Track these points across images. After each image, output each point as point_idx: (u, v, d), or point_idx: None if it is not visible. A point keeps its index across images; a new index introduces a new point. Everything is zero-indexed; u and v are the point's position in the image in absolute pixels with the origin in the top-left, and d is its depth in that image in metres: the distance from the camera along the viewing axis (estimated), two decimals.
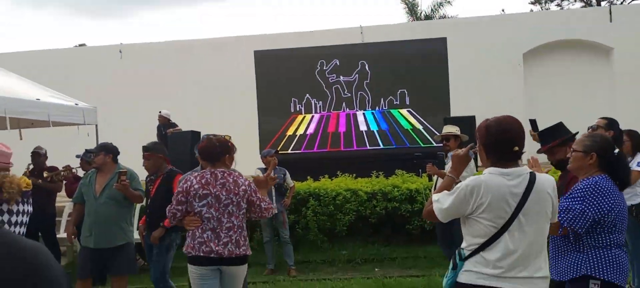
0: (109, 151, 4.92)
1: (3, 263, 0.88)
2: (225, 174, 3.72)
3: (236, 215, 3.68)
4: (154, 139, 10.63)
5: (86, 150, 6.63)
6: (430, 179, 6.09)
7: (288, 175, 6.91)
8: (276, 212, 3.89)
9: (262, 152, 7.04)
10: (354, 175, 8.39)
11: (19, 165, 6.53)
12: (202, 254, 3.60)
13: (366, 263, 7.06)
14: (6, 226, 3.25)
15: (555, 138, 3.60)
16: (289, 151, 9.95)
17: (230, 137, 3.98)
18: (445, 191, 2.50)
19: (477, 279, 2.34)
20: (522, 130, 2.42)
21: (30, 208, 3.49)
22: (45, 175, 6.44)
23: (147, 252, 4.58)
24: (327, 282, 6.22)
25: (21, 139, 7.25)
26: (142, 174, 5.27)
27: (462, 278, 2.40)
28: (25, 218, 3.43)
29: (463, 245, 2.47)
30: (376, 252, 7.30)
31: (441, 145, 6.02)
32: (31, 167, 6.62)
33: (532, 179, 2.35)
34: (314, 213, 7.41)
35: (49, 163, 6.74)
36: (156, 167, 4.63)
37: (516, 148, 2.35)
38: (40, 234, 6.63)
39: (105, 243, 4.76)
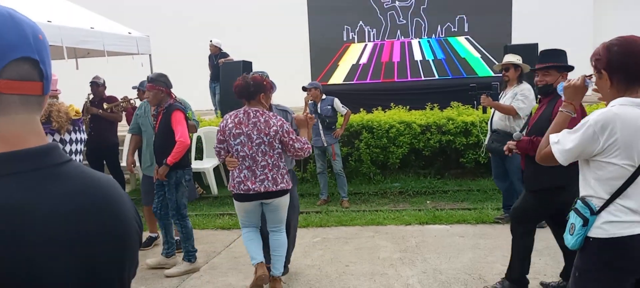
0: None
1: (80, 197, 0.89)
2: (258, 113, 3.75)
3: (270, 155, 3.75)
4: (205, 68, 10.69)
5: (144, 81, 6.70)
6: (485, 111, 5.82)
7: (337, 102, 6.68)
8: (310, 153, 3.88)
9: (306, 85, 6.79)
10: (408, 107, 8.19)
11: (78, 96, 6.72)
12: (241, 192, 3.79)
13: (418, 195, 7.01)
14: None
15: (555, 61, 3.60)
16: (341, 82, 9.76)
17: (266, 75, 3.97)
18: (565, 130, 2.21)
19: (622, 229, 2.06)
20: None
21: (84, 136, 3.48)
22: (105, 107, 6.58)
23: (157, 188, 4.62)
24: (378, 213, 6.23)
25: (78, 68, 7.40)
26: (191, 105, 5.29)
27: (599, 232, 2.11)
28: (80, 147, 3.43)
29: (586, 193, 2.17)
30: (428, 185, 7.22)
31: (500, 75, 5.68)
32: (91, 96, 6.77)
33: None
34: (366, 146, 7.32)
35: (106, 93, 6.87)
36: (157, 100, 4.52)
37: None
38: (105, 162, 6.86)
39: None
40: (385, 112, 7.94)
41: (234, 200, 3.93)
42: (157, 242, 5.49)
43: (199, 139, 7.67)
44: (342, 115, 6.77)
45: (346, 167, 7.26)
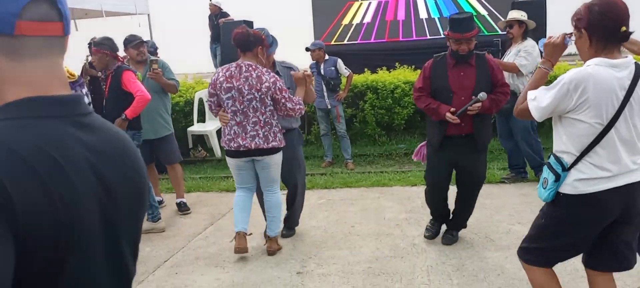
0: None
1: (105, 145, 0.93)
2: (251, 68, 3.64)
3: (262, 111, 3.66)
4: (206, 28, 10.50)
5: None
6: None
7: (340, 63, 6.54)
8: (302, 113, 3.80)
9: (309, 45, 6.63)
10: (413, 66, 8.03)
11: (76, 58, 6.60)
12: (232, 149, 3.74)
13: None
14: None
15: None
16: (345, 42, 9.56)
17: (267, 32, 3.92)
18: (542, 87, 2.25)
19: (590, 186, 2.16)
20: (627, 8, 2.12)
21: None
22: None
23: None
24: (384, 174, 6.18)
25: (77, 30, 7.26)
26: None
27: (569, 189, 2.20)
28: None
29: (558, 149, 2.25)
30: None
31: (505, 33, 5.54)
32: (90, 58, 6.66)
33: (638, 70, 2.13)
34: (371, 107, 7.21)
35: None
36: (103, 64, 4.42)
37: (624, 28, 2.09)
38: None
39: (153, 135, 4.96)
40: (390, 72, 7.80)
41: (226, 157, 3.89)
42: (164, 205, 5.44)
43: (201, 101, 7.58)
44: (345, 77, 6.64)
45: (350, 128, 7.18)
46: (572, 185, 2.20)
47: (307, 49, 6.48)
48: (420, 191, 5.52)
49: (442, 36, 9.46)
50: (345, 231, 4.44)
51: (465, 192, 3.96)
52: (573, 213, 2.24)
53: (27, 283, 0.78)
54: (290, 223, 4.41)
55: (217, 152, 7.35)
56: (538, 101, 2.22)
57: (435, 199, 4.03)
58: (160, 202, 5.42)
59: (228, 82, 3.65)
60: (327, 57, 6.52)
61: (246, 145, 3.68)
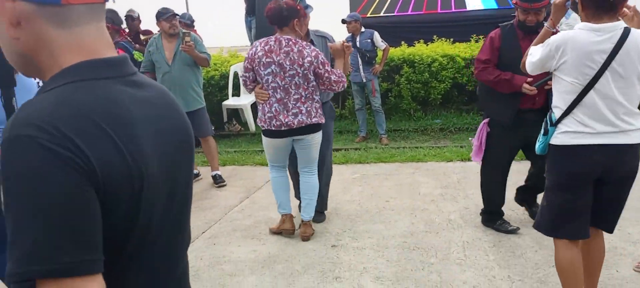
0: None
1: (158, 100, 0.99)
2: (291, 42, 3.48)
3: (304, 87, 3.51)
4: (241, 1, 10.48)
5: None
6: None
7: (377, 35, 6.42)
8: (345, 86, 3.65)
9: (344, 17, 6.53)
10: (452, 40, 7.83)
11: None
12: (273, 128, 3.56)
13: (460, 132, 6.83)
14: None
15: None
16: (381, 14, 9.39)
17: (300, 0, 3.68)
18: (540, 44, 2.49)
19: (571, 139, 2.36)
20: None
21: None
22: (142, 38, 6.56)
23: None
24: (418, 149, 6.12)
25: (114, 2, 7.35)
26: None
27: (556, 140, 2.43)
28: None
29: (553, 104, 2.46)
30: (470, 121, 7.01)
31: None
32: (126, 31, 6.75)
33: (625, 35, 2.23)
34: (407, 81, 7.10)
35: (142, 27, 6.84)
36: None
37: None
38: None
39: (185, 108, 4.97)
40: (427, 45, 7.63)
41: (262, 136, 3.74)
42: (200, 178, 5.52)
43: (236, 75, 7.62)
44: (381, 50, 6.53)
45: (385, 103, 7.10)
46: (558, 137, 2.42)
47: (343, 21, 6.40)
48: (456, 167, 5.45)
49: (483, 8, 9.21)
50: (380, 206, 4.43)
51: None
52: (560, 164, 2.44)
53: (105, 239, 0.82)
54: (320, 207, 4.14)
55: (252, 126, 7.41)
56: (532, 55, 2.46)
57: (495, 187, 3.79)
58: (197, 175, 5.53)
59: (267, 56, 3.48)
60: (363, 29, 6.42)
61: (288, 123, 3.51)
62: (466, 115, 7.20)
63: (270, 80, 3.52)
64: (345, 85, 3.65)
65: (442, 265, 3.35)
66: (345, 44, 3.74)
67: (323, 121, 3.66)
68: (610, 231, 2.56)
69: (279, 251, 3.69)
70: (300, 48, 3.47)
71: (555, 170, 2.47)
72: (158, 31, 5.21)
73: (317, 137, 3.70)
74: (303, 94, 3.52)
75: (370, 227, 3.96)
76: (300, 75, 3.48)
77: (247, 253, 3.69)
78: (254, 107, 7.59)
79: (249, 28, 10.66)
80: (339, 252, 3.60)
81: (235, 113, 7.71)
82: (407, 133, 6.96)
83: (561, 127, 2.40)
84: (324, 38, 3.97)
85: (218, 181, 5.27)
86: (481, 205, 3.97)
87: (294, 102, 3.52)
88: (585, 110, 2.31)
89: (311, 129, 3.61)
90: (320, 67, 3.48)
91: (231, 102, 7.49)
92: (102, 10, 0.94)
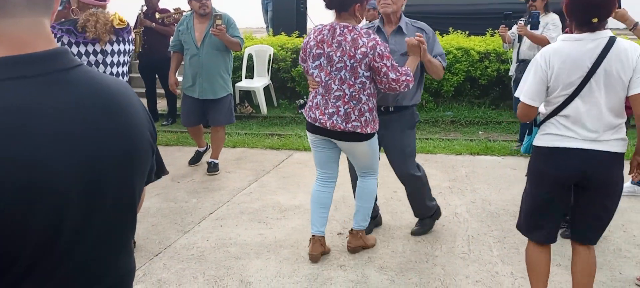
0: None
1: (86, 100, 0.90)
2: (346, 30, 2.97)
3: (349, 83, 2.98)
4: None
5: None
6: (518, 41, 5.57)
7: None
8: (409, 88, 3.04)
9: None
10: (467, 32, 7.78)
11: (133, 7, 6.72)
12: (309, 120, 3.18)
13: (470, 125, 6.82)
14: (101, 66, 3.16)
15: None
16: None
17: None
18: (520, 84, 2.54)
19: (552, 141, 2.41)
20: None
21: (129, 47, 3.31)
22: (157, 16, 6.55)
23: None
24: (429, 141, 6.12)
25: None
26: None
27: (537, 141, 2.49)
28: (124, 58, 3.28)
29: (540, 110, 2.50)
30: (482, 115, 7.00)
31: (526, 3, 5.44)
32: (145, 8, 6.76)
33: (610, 44, 2.27)
34: None
35: (160, 5, 6.84)
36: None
37: (595, 19, 2.25)
38: (157, 77, 6.94)
39: (211, 95, 4.86)
40: (442, 36, 7.59)
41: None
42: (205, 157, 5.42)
43: (250, 57, 7.64)
44: None
45: None
46: (539, 138, 2.48)
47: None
48: (464, 160, 5.45)
49: (499, 1, 9.10)
50: (388, 196, 4.45)
51: None
52: (539, 164, 2.49)
53: None
54: (421, 221, 3.68)
55: (264, 109, 7.44)
56: (525, 93, 2.42)
57: None
58: (204, 151, 5.43)
59: (319, 47, 3.04)
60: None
61: (322, 121, 3.06)
62: (477, 109, 7.18)
63: (315, 75, 3.09)
64: (411, 86, 3.05)
65: (446, 258, 3.38)
66: (421, 38, 3.12)
67: (368, 131, 3.09)
68: (593, 242, 2.53)
69: (286, 236, 3.73)
70: (355, 36, 2.94)
71: (534, 170, 2.51)
72: (181, 10, 5.11)
73: (360, 147, 3.16)
74: (347, 91, 2.99)
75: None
76: (348, 68, 2.96)
77: (253, 236, 3.74)
78: (266, 90, 7.62)
79: (265, 10, 10.67)
80: (345, 240, 3.64)
81: (248, 95, 7.74)
82: (418, 124, 6.93)
83: (544, 128, 2.45)
84: (422, 30, 3.31)
85: (211, 169, 5.08)
86: (488, 200, 4.01)
87: (335, 100, 3.02)
88: (569, 115, 2.35)
89: (348, 136, 3.09)
90: (377, 59, 2.92)
91: (244, 84, 7.51)
92: (46, 6, 0.89)
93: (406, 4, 3.31)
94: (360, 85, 2.99)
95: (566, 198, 2.49)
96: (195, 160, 5.41)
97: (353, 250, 3.44)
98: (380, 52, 2.93)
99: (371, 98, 3.07)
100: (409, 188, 3.58)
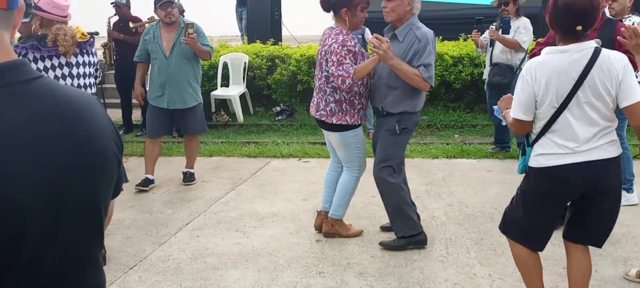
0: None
1: (46, 111, 0.88)
2: (333, 31, 3.40)
3: (318, 77, 3.51)
4: None
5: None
6: (492, 46, 5.63)
7: (368, 32, 6.39)
8: (349, 82, 3.23)
9: None
10: (440, 37, 7.86)
11: (101, 18, 6.62)
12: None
13: (446, 129, 6.89)
14: (68, 79, 3.25)
15: None
16: (369, 10, 9.38)
17: None
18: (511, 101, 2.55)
19: (548, 160, 2.36)
20: (591, 7, 2.24)
21: (93, 59, 3.41)
22: (131, 26, 6.46)
23: None
24: None
25: None
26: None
27: (533, 163, 2.42)
28: (89, 69, 3.37)
29: (533, 129, 2.45)
30: (457, 119, 7.07)
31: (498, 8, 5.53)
32: (113, 20, 6.66)
33: (596, 54, 2.24)
34: None
35: (133, 13, 6.74)
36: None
37: (579, 27, 2.23)
38: (132, 87, 6.82)
39: (181, 104, 4.78)
40: None
41: None
42: (153, 186, 4.89)
43: (225, 65, 7.58)
44: (370, 46, 6.51)
45: None
46: (535, 159, 2.41)
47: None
48: (441, 164, 5.50)
49: (470, 2, 9.22)
50: (366, 201, 4.45)
51: None
52: (537, 186, 2.44)
53: None
54: (395, 232, 3.56)
55: (240, 117, 7.38)
56: (515, 109, 2.39)
57: None
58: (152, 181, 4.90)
59: (320, 46, 3.50)
60: None
61: (311, 111, 3.61)
62: (453, 113, 7.25)
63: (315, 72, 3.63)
64: (348, 86, 3.25)
65: (424, 261, 3.39)
66: (378, 38, 3.19)
67: (333, 121, 3.41)
68: (599, 246, 2.55)
69: (264, 245, 3.69)
70: (333, 34, 3.37)
71: (533, 192, 2.46)
72: (155, 19, 5.02)
73: (332, 136, 3.55)
74: (317, 83, 3.53)
75: (355, 222, 3.98)
76: (319, 64, 3.48)
77: (230, 246, 3.69)
78: (242, 98, 7.57)
79: (239, 18, 10.63)
80: (324, 246, 3.62)
81: (224, 103, 7.68)
82: None
83: (537, 148, 2.40)
84: (416, 38, 3.28)
85: (187, 179, 4.98)
86: (465, 202, 4.04)
87: (315, 92, 3.57)
88: (560, 129, 2.32)
89: (322, 124, 3.56)
90: (328, 55, 3.32)
91: (219, 92, 7.45)
92: (5, 19, 0.89)
93: (380, 11, 3.37)
94: (324, 79, 3.42)
95: (563, 210, 2.50)
96: (143, 184, 4.82)
97: (317, 230, 3.78)
98: (332, 49, 3.29)
99: (336, 91, 3.38)
100: (379, 189, 3.56)
